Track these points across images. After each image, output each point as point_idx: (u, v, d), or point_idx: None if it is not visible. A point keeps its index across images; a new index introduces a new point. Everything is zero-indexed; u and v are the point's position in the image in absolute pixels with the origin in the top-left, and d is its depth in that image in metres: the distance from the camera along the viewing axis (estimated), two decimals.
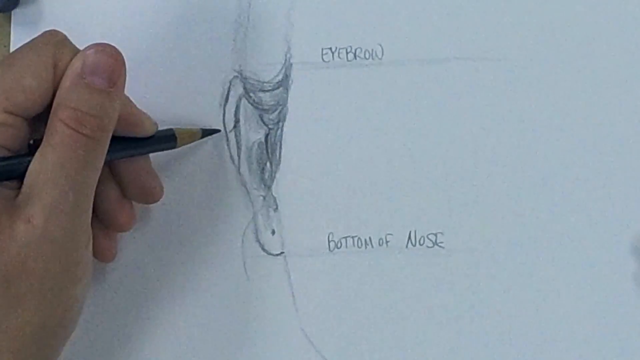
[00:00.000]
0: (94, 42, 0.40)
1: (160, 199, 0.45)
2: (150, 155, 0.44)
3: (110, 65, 0.39)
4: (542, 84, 0.46)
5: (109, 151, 0.40)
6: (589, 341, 0.45)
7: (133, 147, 0.43)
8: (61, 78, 0.39)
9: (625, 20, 0.47)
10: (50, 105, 0.39)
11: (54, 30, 0.40)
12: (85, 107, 0.38)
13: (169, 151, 0.45)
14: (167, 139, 0.44)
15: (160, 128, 0.44)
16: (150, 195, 0.44)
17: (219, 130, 0.46)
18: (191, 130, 0.45)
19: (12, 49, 0.47)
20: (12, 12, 0.48)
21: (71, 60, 0.39)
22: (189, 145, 0.45)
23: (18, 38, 0.47)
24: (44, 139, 0.38)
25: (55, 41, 0.40)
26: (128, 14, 0.47)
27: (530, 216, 0.46)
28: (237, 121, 0.47)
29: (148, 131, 0.43)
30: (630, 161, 0.46)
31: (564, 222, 0.46)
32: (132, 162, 0.43)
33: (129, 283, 0.46)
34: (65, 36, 0.40)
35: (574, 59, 0.47)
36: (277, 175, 0.46)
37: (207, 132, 0.46)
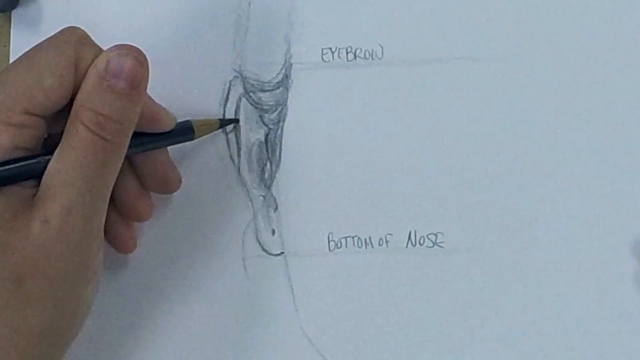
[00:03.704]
0: (118, 43, 0.40)
1: (179, 189, 0.45)
2: None
3: (133, 68, 0.39)
4: (542, 84, 0.46)
5: (130, 146, 0.40)
6: (589, 341, 0.45)
7: (151, 141, 0.43)
8: (82, 77, 0.39)
9: (625, 20, 0.47)
10: (69, 103, 0.39)
11: (75, 28, 0.40)
12: (106, 110, 0.38)
13: (170, 151, 0.45)
14: (184, 131, 0.44)
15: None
16: (169, 185, 0.45)
17: (237, 120, 0.46)
18: (209, 121, 0.45)
19: (12, 49, 0.47)
20: (12, 12, 0.48)
21: (92, 59, 0.39)
22: (189, 143, 0.45)
23: (18, 38, 0.47)
24: (63, 139, 0.38)
25: (76, 39, 0.39)
26: (128, 14, 0.47)
27: (530, 216, 0.46)
28: (237, 121, 0.47)
29: (167, 126, 0.42)
30: (630, 161, 0.46)
31: (564, 222, 0.46)
32: (150, 154, 0.43)
33: (128, 283, 0.46)
34: (85, 33, 0.40)
35: (574, 58, 0.47)
36: (277, 175, 0.46)
37: (225, 122, 0.46)
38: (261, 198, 0.46)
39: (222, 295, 0.46)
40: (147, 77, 0.39)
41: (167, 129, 0.43)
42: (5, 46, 0.48)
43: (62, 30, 0.40)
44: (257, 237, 0.46)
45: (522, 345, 0.45)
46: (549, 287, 0.46)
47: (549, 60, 0.47)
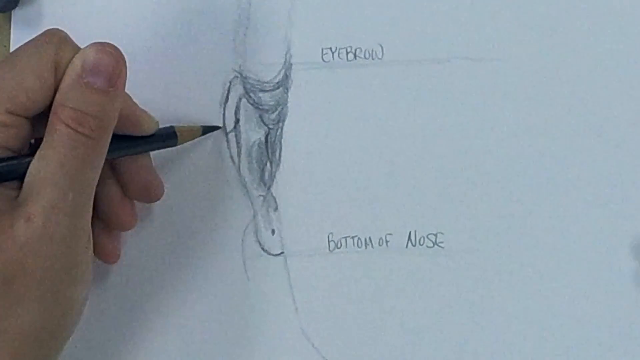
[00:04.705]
0: (94, 42, 0.40)
1: (161, 198, 0.45)
2: (151, 155, 0.44)
3: (110, 65, 0.39)
4: (542, 83, 0.46)
5: (109, 150, 0.40)
6: (589, 341, 0.45)
7: (134, 146, 0.43)
8: (62, 76, 0.39)
9: (625, 20, 0.47)
10: (51, 105, 0.39)
11: (55, 29, 0.40)
12: (84, 107, 0.38)
13: (169, 152, 0.45)
14: (167, 137, 0.44)
15: (160, 126, 0.44)
16: (151, 193, 0.44)
17: (219, 127, 0.46)
18: (192, 127, 0.45)
19: (12, 49, 0.47)
20: (12, 12, 0.48)
21: (72, 57, 0.39)
22: (189, 143, 0.45)
23: (18, 38, 0.47)
24: (44, 139, 0.38)
25: (56, 40, 0.39)
26: (128, 14, 0.47)
27: (530, 216, 0.46)
28: (237, 121, 0.47)
29: (149, 130, 0.43)
30: (630, 161, 0.46)
31: (564, 222, 0.46)
32: (133, 160, 0.43)
33: (129, 283, 0.46)
34: (66, 35, 0.40)
35: (574, 58, 0.47)
36: (277, 175, 0.46)
37: (208, 129, 0.46)
38: (261, 198, 0.46)
39: (222, 296, 0.46)
40: (125, 74, 0.40)
41: (149, 133, 0.43)
42: (5, 46, 0.48)
43: (44, 32, 0.40)
44: (257, 237, 0.46)
45: (522, 345, 0.45)
46: (549, 287, 0.46)
47: (549, 60, 0.47)
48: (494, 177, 0.46)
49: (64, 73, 0.39)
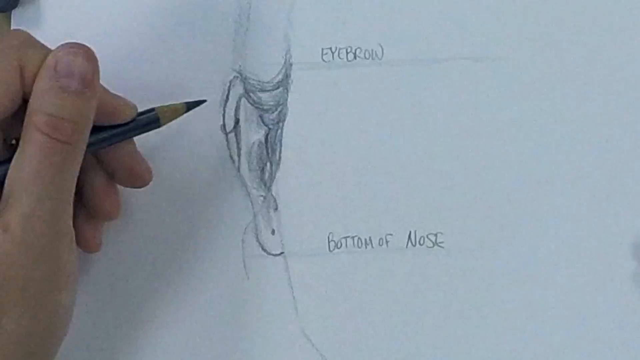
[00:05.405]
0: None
1: (150, 183, 0.44)
2: (151, 154, 0.44)
3: (83, 66, 0.38)
4: (542, 83, 0.46)
5: (91, 142, 0.39)
6: (589, 341, 0.45)
7: (114, 135, 0.41)
8: (30, 80, 0.38)
9: (625, 20, 0.47)
10: (21, 106, 0.38)
11: (18, 31, 0.39)
12: (60, 111, 0.38)
13: (168, 152, 0.45)
14: (149, 120, 0.43)
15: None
16: (138, 179, 0.43)
17: (204, 101, 0.45)
18: (174, 106, 0.44)
19: None
20: (12, 12, 0.48)
21: (39, 60, 0.38)
22: (189, 142, 0.45)
23: None
24: (20, 145, 0.38)
25: (19, 43, 0.38)
26: (128, 14, 0.47)
27: (530, 216, 0.46)
28: (237, 121, 0.47)
29: (127, 116, 0.41)
30: (630, 161, 0.46)
31: (564, 222, 0.46)
32: (116, 148, 0.42)
33: (128, 283, 0.46)
34: (29, 35, 0.39)
35: (574, 58, 0.47)
36: (277, 175, 0.46)
37: (192, 105, 0.45)
38: (261, 198, 0.46)
39: (222, 295, 0.46)
40: (99, 73, 0.39)
41: (128, 120, 0.42)
42: None
43: (6, 35, 0.39)
44: (257, 237, 0.46)
45: (522, 345, 0.45)
46: (549, 287, 0.46)
47: (549, 60, 0.47)
48: (494, 177, 0.46)
49: (31, 75, 0.38)
